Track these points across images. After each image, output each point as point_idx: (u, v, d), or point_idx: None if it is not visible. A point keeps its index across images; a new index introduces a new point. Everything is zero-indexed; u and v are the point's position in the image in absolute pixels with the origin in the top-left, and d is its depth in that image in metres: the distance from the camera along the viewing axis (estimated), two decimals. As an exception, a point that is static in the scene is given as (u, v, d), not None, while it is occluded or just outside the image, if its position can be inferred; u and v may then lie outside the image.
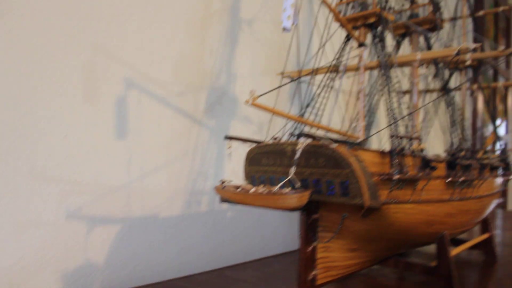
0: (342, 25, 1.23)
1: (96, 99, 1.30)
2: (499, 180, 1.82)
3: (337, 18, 1.19)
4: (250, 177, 1.19)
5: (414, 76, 1.50)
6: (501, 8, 2.29)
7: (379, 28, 1.31)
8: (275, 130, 1.28)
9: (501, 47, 5.37)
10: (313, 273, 1.09)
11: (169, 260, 1.50)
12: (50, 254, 1.21)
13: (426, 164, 1.19)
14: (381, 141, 1.97)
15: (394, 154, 1.06)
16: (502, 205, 5.41)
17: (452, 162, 1.31)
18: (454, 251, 1.45)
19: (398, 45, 1.70)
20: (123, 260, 1.38)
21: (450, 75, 2.11)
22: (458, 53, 1.15)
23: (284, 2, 1.03)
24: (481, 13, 2.19)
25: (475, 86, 2.06)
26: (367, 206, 0.95)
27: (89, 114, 1.29)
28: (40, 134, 1.19)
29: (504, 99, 5.77)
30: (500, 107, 5.54)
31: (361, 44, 1.30)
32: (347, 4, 1.31)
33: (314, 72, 1.39)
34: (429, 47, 1.66)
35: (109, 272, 1.34)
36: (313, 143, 0.98)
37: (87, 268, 1.29)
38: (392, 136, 1.11)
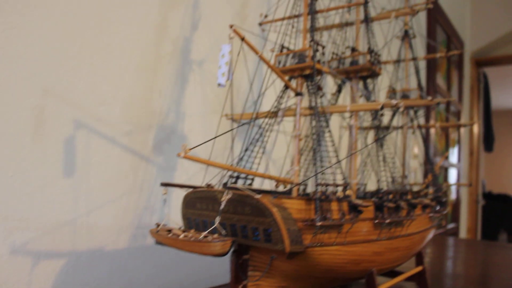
0: (279, 76, 1.33)
1: (45, 140, 1.36)
2: (433, 217, 1.93)
3: (274, 71, 1.29)
4: (187, 219, 1.26)
5: (354, 125, 1.62)
6: (450, 53, 2.44)
7: (316, 78, 1.41)
8: (216, 171, 1.35)
9: (455, 82, 5.62)
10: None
11: (113, 294, 1.54)
12: (-8, 290, 1.25)
13: (353, 208, 1.28)
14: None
15: (318, 201, 1.15)
16: (454, 233, 5.61)
17: (380, 204, 1.41)
18: (385, 285, 1.54)
19: (339, 89, 1.81)
20: (67, 294, 1.42)
21: (392, 116, 2.24)
22: (382, 107, 1.26)
23: (220, 60, 1.12)
24: (422, 57, 2.34)
25: (415, 125, 2.19)
26: (287, 252, 1.03)
27: (37, 154, 1.35)
28: (-14, 174, 1.24)
29: (458, 128, 6.03)
30: (453, 135, 5.77)
31: (297, 93, 1.40)
32: (287, 55, 1.41)
33: (255, 116, 1.48)
34: (368, 93, 1.78)
35: (51, 306, 1.38)
36: (239, 193, 1.06)
37: (29, 303, 1.33)
38: (317, 185, 1.20)
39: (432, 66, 4.69)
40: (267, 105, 1.60)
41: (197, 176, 1.70)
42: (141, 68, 1.61)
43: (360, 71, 1.71)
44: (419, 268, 1.85)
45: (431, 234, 1.97)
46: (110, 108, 1.52)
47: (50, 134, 1.37)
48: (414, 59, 2.27)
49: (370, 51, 1.71)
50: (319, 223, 1.11)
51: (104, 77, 1.50)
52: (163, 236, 1.05)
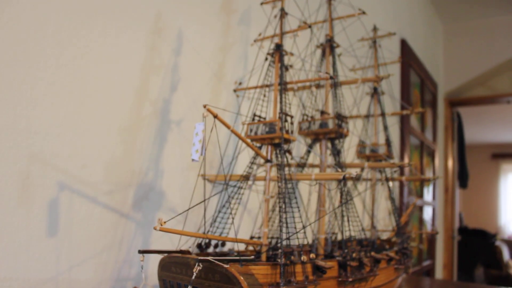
0: (249, 146, 1.45)
1: (29, 203, 1.45)
2: (398, 268, 2.04)
3: (244, 142, 1.41)
4: (162, 280, 1.36)
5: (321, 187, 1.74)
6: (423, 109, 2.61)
7: (284, 147, 1.53)
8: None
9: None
10: None
11: None
12: None
13: (317, 269, 1.39)
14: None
15: (282, 267, 1.25)
16: (428, 273, 5.72)
17: (343, 263, 1.52)
18: None
19: (309, 149, 1.94)
20: None
21: (361, 171, 2.37)
22: (344, 178, 1.38)
23: (194, 137, 1.24)
24: (390, 113, 2.50)
25: (383, 179, 2.32)
26: None
27: (22, 216, 1.43)
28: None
29: (433, 167, 6.20)
30: (428, 174, 5.93)
31: (267, 160, 1.52)
32: (258, 125, 1.54)
33: (229, 178, 1.59)
34: (336, 152, 1.91)
35: None
36: (209, 262, 1.16)
37: None
38: (281, 252, 1.31)
39: (405, 108, 4.86)
40: (243, 164, 1.71)
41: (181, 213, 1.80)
42: (122, 130, 1.72)
43: (329, 133, 1.84)
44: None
45: (399, 279, 2.08)
46: (92, 170, 1.62)
47: (35, 197, 1.46)
48: (383, 114, 2.42)
49: (338, 115, 1.85)
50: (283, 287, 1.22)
51: (87, 141, 1.61)
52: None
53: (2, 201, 1.38)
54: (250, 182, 1.56)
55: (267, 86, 1.62)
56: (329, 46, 1.98)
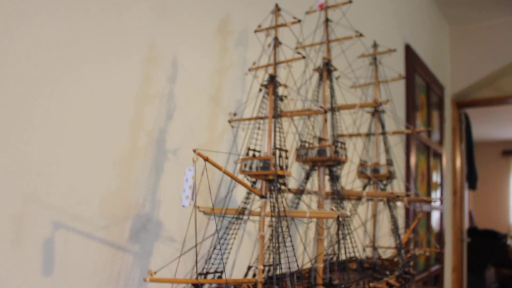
0: (242, 184, 1.44)
1: (24, 243, 1.44)
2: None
3: (237, 181, 1.39)
4: None
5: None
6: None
7: (279, 182, 1.52)
8: (191, 253, 1.44)
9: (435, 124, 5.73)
10: None
11: None
12: None
13: None
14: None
15: None
16: (437, 278, 5.68)
17: None
18: None
19: (307, 176, 1.92)
20: None
21: (364, 188, 2.35)
22: (338, 217, 1.37)
23: (184, 184, 1.23)
24: (391, 132, 2.47)
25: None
26: None
27: (17, 257, 1.43)
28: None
29: (440, 170, 6.15)
30: (436, 179, 5.89)
31: (262, 196, 1.50)
32: (252, 160, 1.52)
33: (224, 211, 1.58)
34: (333, 179, 1.89)
35: None
36: None
37: None
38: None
39: (411, 111, 4.82)
40: (240, 195, 1.70)
41: (172, 259, 1.79)
42: (117, 164, 1.71)
43: (326, 160, 1.82)
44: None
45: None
46: (87, 206, 1.62)
47: (29, 237, 1.46)
48: (384, 133, 2.40)
49: (335, 141, 1.83)
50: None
51: (81, 177, 1.60)
52: None
53: (-4, 244, 1.39)
54: (245, 217, 1.55)
55: (261, 118, 1.61)
56: (326, 70, 1.96)
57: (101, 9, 1.69)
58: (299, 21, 1.76)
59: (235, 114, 1.73)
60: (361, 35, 1.98)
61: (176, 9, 1.96)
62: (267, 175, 1.48)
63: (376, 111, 2.40)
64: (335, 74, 2.04)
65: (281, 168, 1.49)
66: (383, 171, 2.27)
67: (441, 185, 6.05)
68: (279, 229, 1.41)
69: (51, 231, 1.52)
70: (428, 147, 5.47)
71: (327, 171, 1.88)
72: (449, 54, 6.63)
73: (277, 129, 1.56)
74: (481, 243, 8.51)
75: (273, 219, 1.45)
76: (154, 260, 1.83)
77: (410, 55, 4.79)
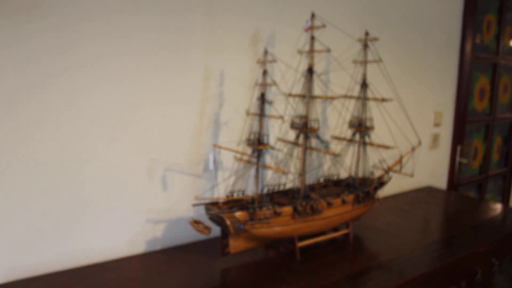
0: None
1: (153, 178, 2.19)
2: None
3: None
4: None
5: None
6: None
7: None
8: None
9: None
10: (228, 249, 1.95)
11: None
12: None
13: (275, 212, 1.95)
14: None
15: (251, 209, 1.88)
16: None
17: (294, 207, 2.00)
18: (303, 242, 2.19)
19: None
20: None
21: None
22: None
23: (210, 158, 2.02)
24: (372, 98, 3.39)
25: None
26: (232, 233, 1.86)
27: (150, 185, 2.15)
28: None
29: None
30: None
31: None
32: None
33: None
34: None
35: None
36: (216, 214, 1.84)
37: None
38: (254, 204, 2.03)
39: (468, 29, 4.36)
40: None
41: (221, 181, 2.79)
42: (192, 136, 2.42)
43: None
44: (345, 231, 2.38)
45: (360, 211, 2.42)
46: (179, 158, 2.35)
47: (155, 175, 2.19)
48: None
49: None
50: (249, 222, 1.88)
51: (175, 145, 2.37)
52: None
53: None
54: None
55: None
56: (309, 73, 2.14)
57: (172, 47, 2.25)
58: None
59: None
60: (328, 50, 2.50)
61: (222, 35, 2.48)
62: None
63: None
64: (318, 71, 2.64)
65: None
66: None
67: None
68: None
69: (164, 172, 2.20)
70: (494, 64, 4.98)
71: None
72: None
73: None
74: None
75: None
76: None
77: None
